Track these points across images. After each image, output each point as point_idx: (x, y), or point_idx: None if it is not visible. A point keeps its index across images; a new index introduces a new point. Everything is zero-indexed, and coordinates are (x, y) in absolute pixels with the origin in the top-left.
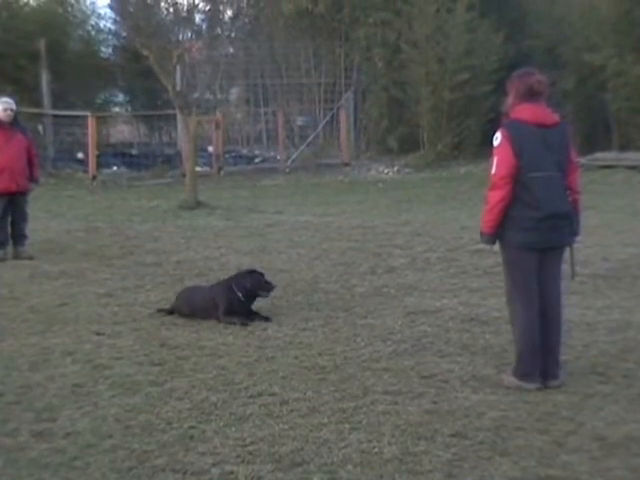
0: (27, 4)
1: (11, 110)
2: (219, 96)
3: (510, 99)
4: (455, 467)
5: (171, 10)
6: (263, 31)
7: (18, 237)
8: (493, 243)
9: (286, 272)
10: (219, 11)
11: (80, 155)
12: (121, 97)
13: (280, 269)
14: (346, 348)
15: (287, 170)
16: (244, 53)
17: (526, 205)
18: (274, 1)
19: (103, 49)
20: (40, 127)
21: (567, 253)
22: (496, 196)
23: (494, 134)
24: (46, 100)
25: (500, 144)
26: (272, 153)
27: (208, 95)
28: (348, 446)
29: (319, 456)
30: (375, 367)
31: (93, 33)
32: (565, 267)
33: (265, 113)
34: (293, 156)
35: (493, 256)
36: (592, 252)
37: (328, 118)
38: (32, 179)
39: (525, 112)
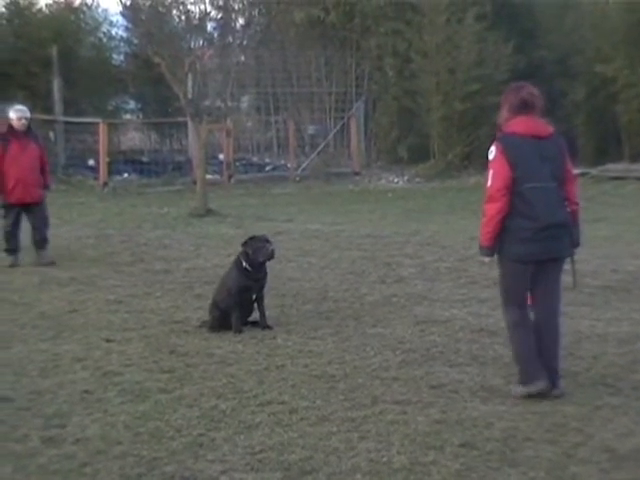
0: (40, 11)
1: (25, 119)
2: (230, 104)
3: (504, 113)
4: (464, 477)
5: (183, 18)
6: (275, 40)
7: (39, 241)
8: (492, 255)
9: (296, 281)
10: (231, 19)
11: (91, 162)
12: (132, 104)
13: (290, 277)
14: (355, 357)
15: (297, 179)
16: (255, 61)
17: (523, 216)
18: (286, 10)
19: (115, 56)
20: (51, 134)
21: (568, 264)
22: (493, 208)
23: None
24: (58, 107)
25: (495, 157)
26: (283, 161)
27: (219, 103)
28: (357, 455)
29: (328, 465)
30: (384, 376)
31: (105, 40)
32: (567, 278)
33: (276, 121)
34: (303, 165)
35: None
36: (602, 263)
37: (339, 127)
38: (44, 185)
39: (519, 125)
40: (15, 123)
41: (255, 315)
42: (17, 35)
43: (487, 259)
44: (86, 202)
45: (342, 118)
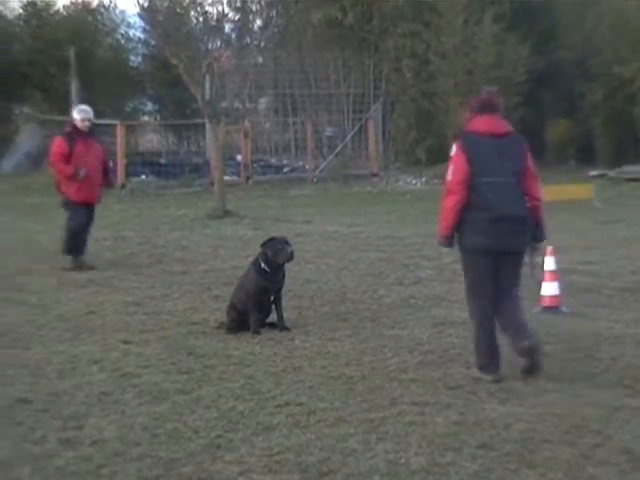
0: (57, 12)
1: (89, 120)
2: (248, 105)
3: (467, 114)
4: (482, 479)
5: (201, 19)
6: (292, 41)
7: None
8: (450, 246)
9: (314, 282)
10: (248, 21)
11: (109, 163)
12: (150, 106)
13: (308, 279)
14: (373, 358)
15: (315, 180)
16: (273, 63)
17: (479, 209)
18: (303, 11)
19: (132, 58)
20: None
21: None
22: (451, 201)
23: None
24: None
25: (455, 153)
26: (300, 163)
27: (237, 104)
28: (375, 456)
29: (346, 466)
30: (402, 378)
31: (123, 42)
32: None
33: (294, 123)
34: (321, 166)
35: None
36: (620, 265)
37: (357, 129)
38: (108, 185)
39: (479, 124)
40: (79, 124)
41: (273, 317)
42: (34, 36)
43: (448, 248)
44: (103, 203)
45: (360, 120)
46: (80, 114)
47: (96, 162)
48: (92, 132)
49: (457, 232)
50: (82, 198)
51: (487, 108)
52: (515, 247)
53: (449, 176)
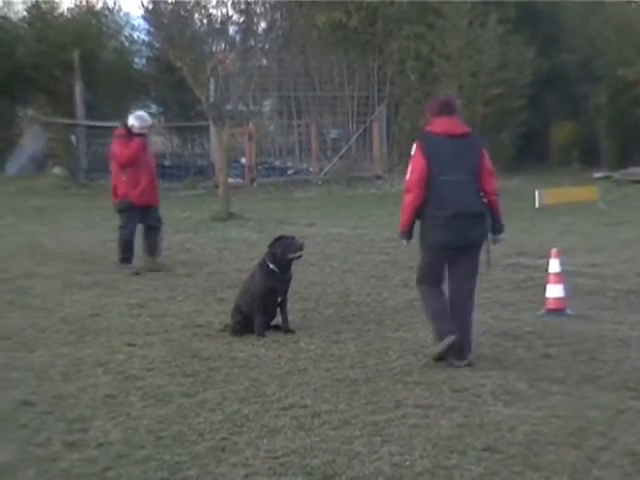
0: (61, 15)
1: (147, 128)
2: (252, 108)
3: (427, 116)
4: None
5: (205, 22)
6: (297, 43)
7: (153, 247)
8: (409, 239)
9: (318, 285)
10: (253, 23)
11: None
12: (154, 108)
13: (312, 281)
14: (378, 361)
15: (320, 182)
16: (277, 65)
17: (436, 206)
18: (308, 14)
19: (137, 60)
20: (73, 138)
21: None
22: (410, 198)
23: (527, 148)
24: (79, 111)
25: (414, 153)
26: (305, 165)
27: (241, 107)
28: (379, 459)
29: (350, 469)
30: (407, 380)
31: (127, 44)
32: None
33: (298, 125)
34: (326, 169)
35: (525, 270)
36: (625, 267)
37: (361, 131)
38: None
39: (437, 125)
40: (137, 131)
41: (277, 319)
42: (39, 39)
43: (406, 242)
44: (108, 206)
45: (364, 122)
46: (138, 121)
47: (152, 165)
48: (146, 136)
49: (413, 226)
50: (145, 201)
51: (445, 110)
52: (470, 241)
53: (408, 175)
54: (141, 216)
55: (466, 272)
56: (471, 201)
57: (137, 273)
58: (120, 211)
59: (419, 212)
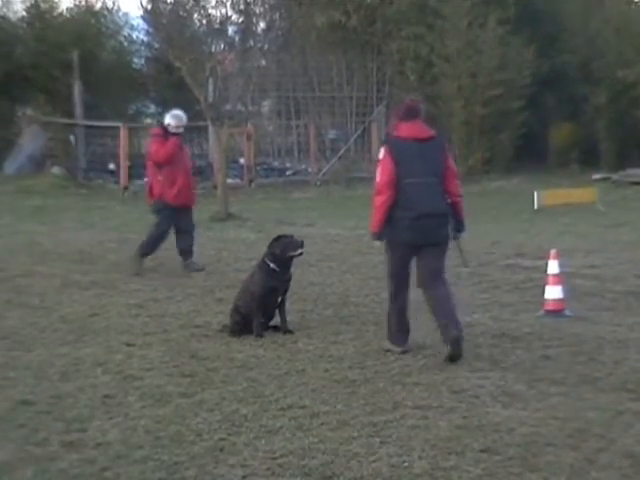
0: (60, 15)
1: (183, 127)
2: (251, 108)
3: (393, 121)
4: None
5: (204, 22)
6: (296, 44)
7: (186, 249)
8: (381, 239)
9: (317, 285)
10: (252, 23)
11: (111, 166)
12: (153, 108)
13: (311, 282)
14: (376, 362)
15: (318, 183)
16: (276, 65)
17: (403, 207)
18: (307, 14)
19: (135, 60)
20: (72, 137)
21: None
22: (380, 200)
23: (526, 149)
24: (78, 110)
25: (383, 157)
26: (303, 166)
27: (240, 107)
28: (378, 460)
29: (349, 470)
30: (405, 381)
31: (126, 44)
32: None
33: (297, 126)
34: (324, 169)
35: (524, 271)
36: (624, 269)
37: (360, 132)
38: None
39: (403, 130)
40: (173, 130)
41: (276, 319)
42: (38, 39)
43: (377, 243)
44: (107, 206)
45: (363, 122)
46: (174, 120)
47: (189, 165)
48: (182, 136)
49: (385, 227)
50: (181, 201)
51: (410, 115)
52: (435, 240)
53: (377, 177)
54: (176, 217)
55: (432, 270)
56: (436, 202)
57: (138, 274)
58: (156, 212)
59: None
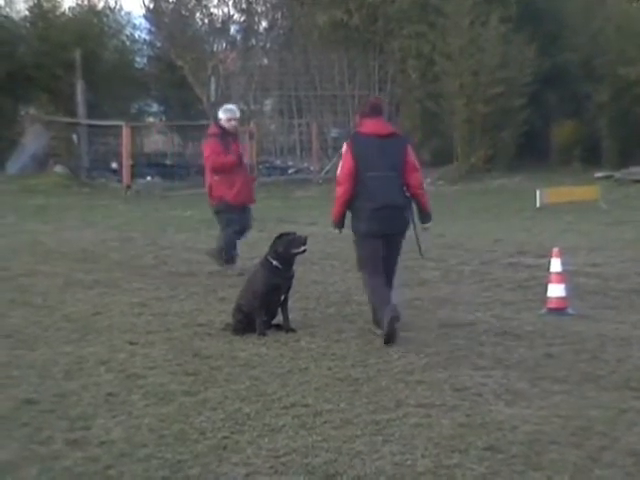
0: (63, 14)
1: (235, 120)
2: (253, 107)
3: (357, 118)
4: None
5: (206, 21)
6: (297, 42)
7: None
8: (341, 228)
9: (319, 284)
10: (254, 22)
11: (114, 165)
12: (155, 107)
13: (313, 280)
14: (379, 360)
15: (320, 181)
16: (278, 64)
17: (364, 199)
18: (309, 13)
19: (138, 59)
20: (75, 136)
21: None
22: (340, 191)
23: (528, 147)
24: (81, 110)
25: (345, 151)
26: (305, 164)
27: (242, 106)
28: (381, 458)
29: (352, 468)
30: (408, 379)
31: (128, 43)
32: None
33: (299, 124)
34: (326, 167)
35: (526, 270)
36: (626, 266)
37: None
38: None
39: (365, 126)
40: (224, 124)
41: (279, 318)
42: (41, 38)
43: (338, 231)
44: (109, 205)
45: None
46: (226, 113)
47: (245, 164)
48: (237, 132)
49: (345, 217)
50: (241, 200)
51: (373, 112)
52: (394, 230)
53: (338, 170)
54: (239, 216)
55: (390, 258)
56: (394, 195)
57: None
58: (218, 213)
59: (350, 204)
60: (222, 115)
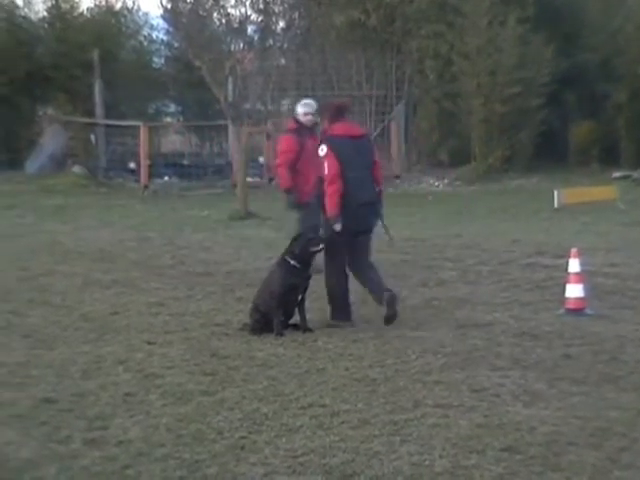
0: (81, 15)
1: (312, 114)
2: (270, 107)
3: (325, 122)
4: None
5: (223, 21)
6: (315, 43)
7: None
8: (338, 222)
9: None
10: (271, 22)
11: (132, 165)
12: (173, 107)
13: None
14: (397, 360)
15: None
16: (296, 64)
17: (347, 197)
18: (326, 13)
19: (155, 59)
20: (92, 136)
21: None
22: (332, 188)
23: (545, 148)
24: (99, 110)
25: (326, 154)
26: None
27: (259, 106)
28: (399, 459)
29: (370, 468)
30: (426, 380)
31: (146, 44)
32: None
33: (316, 124)
34: None
35: (544, 270)
36: None
37: (379, 130)
38: None
39: (338, 128)
40: (302, 118)
41: (296, 318)
42: (59, 39)
43: (339, 226)
44: (127, 205)
45: (382, 121)
46: (303, 108)
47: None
48: (314, 126)
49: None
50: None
51: (339, 114)
52: (369, 226)
53: (326, 170)
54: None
55: (364, 252)
56: (371, 192)
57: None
58: (292, 208)
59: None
60: (299, 109)
